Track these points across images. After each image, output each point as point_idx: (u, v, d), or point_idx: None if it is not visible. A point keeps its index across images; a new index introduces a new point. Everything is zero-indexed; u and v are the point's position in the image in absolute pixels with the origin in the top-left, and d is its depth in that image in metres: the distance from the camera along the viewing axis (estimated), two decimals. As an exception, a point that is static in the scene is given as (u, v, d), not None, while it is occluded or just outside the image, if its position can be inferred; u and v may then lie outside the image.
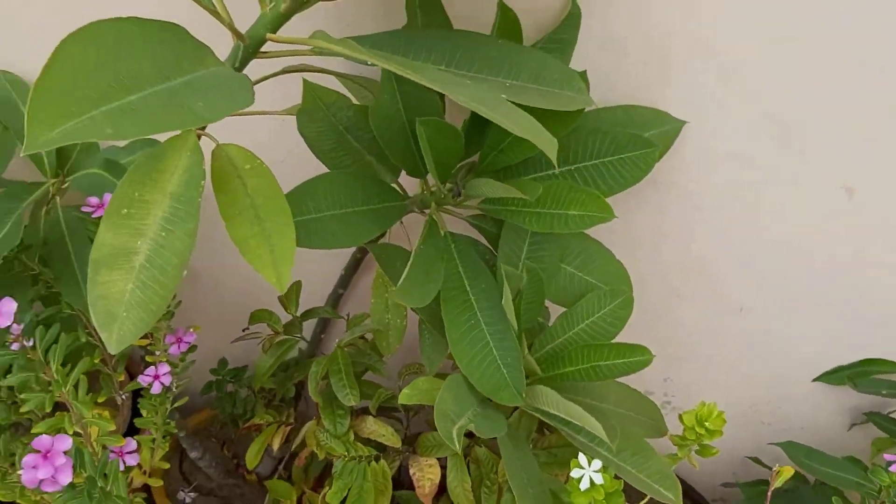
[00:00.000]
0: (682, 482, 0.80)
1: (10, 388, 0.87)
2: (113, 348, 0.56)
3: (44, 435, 0.64)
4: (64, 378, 0.74)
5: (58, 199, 0.92)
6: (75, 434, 0.78)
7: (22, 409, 0.72)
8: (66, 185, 0.93)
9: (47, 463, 0.63)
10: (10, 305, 0.68)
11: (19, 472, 0.74)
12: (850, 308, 0.96)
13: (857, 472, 0.84)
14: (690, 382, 1.02)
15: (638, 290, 0.96)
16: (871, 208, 0.87)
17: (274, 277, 0.65)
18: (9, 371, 0.75)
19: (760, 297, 0.98)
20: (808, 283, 0.95)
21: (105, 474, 0.69)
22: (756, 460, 1.07)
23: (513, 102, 0.67)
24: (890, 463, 0.76)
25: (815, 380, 1.01)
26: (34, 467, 0.62)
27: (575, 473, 0.70)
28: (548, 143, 0.59)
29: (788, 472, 0.76)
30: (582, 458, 0.70)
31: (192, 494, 1.13)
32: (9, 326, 0.69)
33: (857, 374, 0.97)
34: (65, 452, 0.64)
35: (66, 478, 0.63)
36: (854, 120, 0.82)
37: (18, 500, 0.80)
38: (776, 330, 1.00)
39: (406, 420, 1.01)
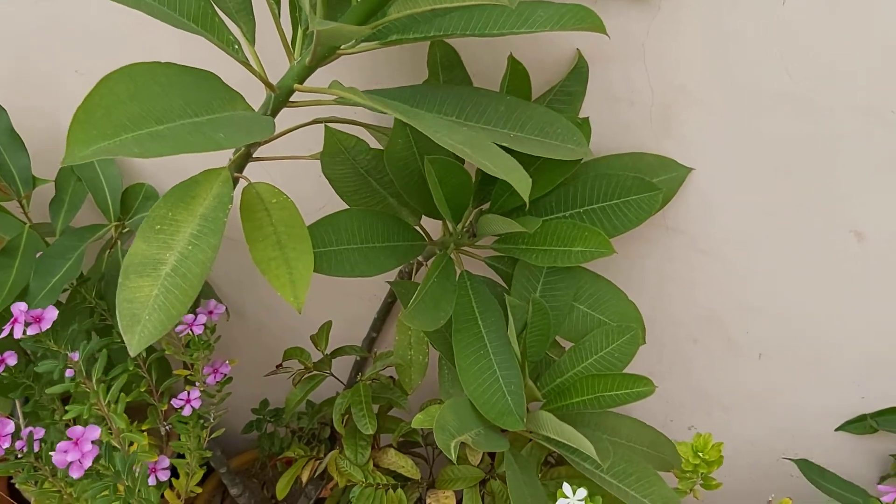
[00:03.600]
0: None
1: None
2: (133, 349, 0.62)
3: (77, 425, 0.71)
4: (104, 391, 0.81)
5: (119, 242, 1.03)
6: (113, 448, 0.85)
7: (65, 416, 0.79)
8: (126, 229, 1.03)
9: (76, 448, 0.70)
10: (53, 313, 0.77)
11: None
12: (873, 355, 0.96)
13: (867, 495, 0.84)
14: (714, 432, 1.02)
15: (653, 335, 0.99)
16: (881, 251, 0.89)
17: (291, 296, 0.71)
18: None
19: (778, 344, 0.99)
20: (827, 330, 0.96)
21: (132, 475, 0.76)
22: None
23: (512, 150, 0.75)
24: (884, 494, 0.75)
25: (837, 429, 1.01)
26: (65, 451, 0.69)
27: (560, 503, 0.72)
28: (522, 182, 0.65)
29: (787, 502, 0.76)
30: (566, 487, 0.72)
31: (230, 531, 1.18)
32: (51, 333, 0.77)
33: (882, 421, 0.96)
34: (92, 442, 0.71)
35: (89, 461, 0.70)
36: (860, 164, 0.85)
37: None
38: (797, 378, 1.01)
39: (430, 457, 1.05)
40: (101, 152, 0.56)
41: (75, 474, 0.70)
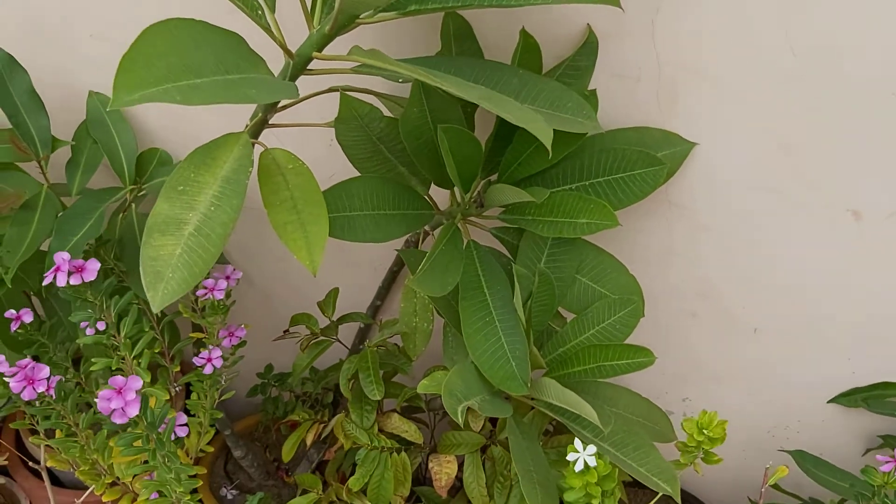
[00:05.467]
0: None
1: (77, 369, 0.98)
2: (156, 306, 0.64)
3: (119, 375, 0.73)
4: (129, 346, 0.84)
5: (134, 205, 1.05)
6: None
7: (92, 368, 0.82)
8: (142, 192, 1.05)
9: (120, 397, 0.71)
10: (95, 264, 0.79)
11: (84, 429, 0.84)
12: (865, 331, 0.99)
13: (863, 484, 0.86)
14: (709, 404, 1.05)
15: (653, 309, 1.01)
16: (877, 230, 0.91)
17: (307, 259, 0.73)
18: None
19: (773, 319, 1.01)
20: (821, 306, 0.99)
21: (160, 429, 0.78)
22: (776, 486, 1.08)
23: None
24: (882, 464, 0.78)
25: (829, 401, 1.03)
26: (108, 399, 0.71)
27: (570, 457, 0.75)
28: (543, 132, 0.67)
29: (783, 471, 0.79)
30: (577, 442, 0.75)
31: (233, 492, 1.21)
32: (90, 285, 0.79)
33: (872, 396, 0.99)
34: (136, 392, 0.73)
35: (133, 410, 0.72)
36: (860, 145, 0.87)
37: (77, 460, 0.90)
38: (791, 353, 1.03)
39: (432, 423, 1.08)
40: (146, 98, 0.58)
41: (118, 420, 0.71)
